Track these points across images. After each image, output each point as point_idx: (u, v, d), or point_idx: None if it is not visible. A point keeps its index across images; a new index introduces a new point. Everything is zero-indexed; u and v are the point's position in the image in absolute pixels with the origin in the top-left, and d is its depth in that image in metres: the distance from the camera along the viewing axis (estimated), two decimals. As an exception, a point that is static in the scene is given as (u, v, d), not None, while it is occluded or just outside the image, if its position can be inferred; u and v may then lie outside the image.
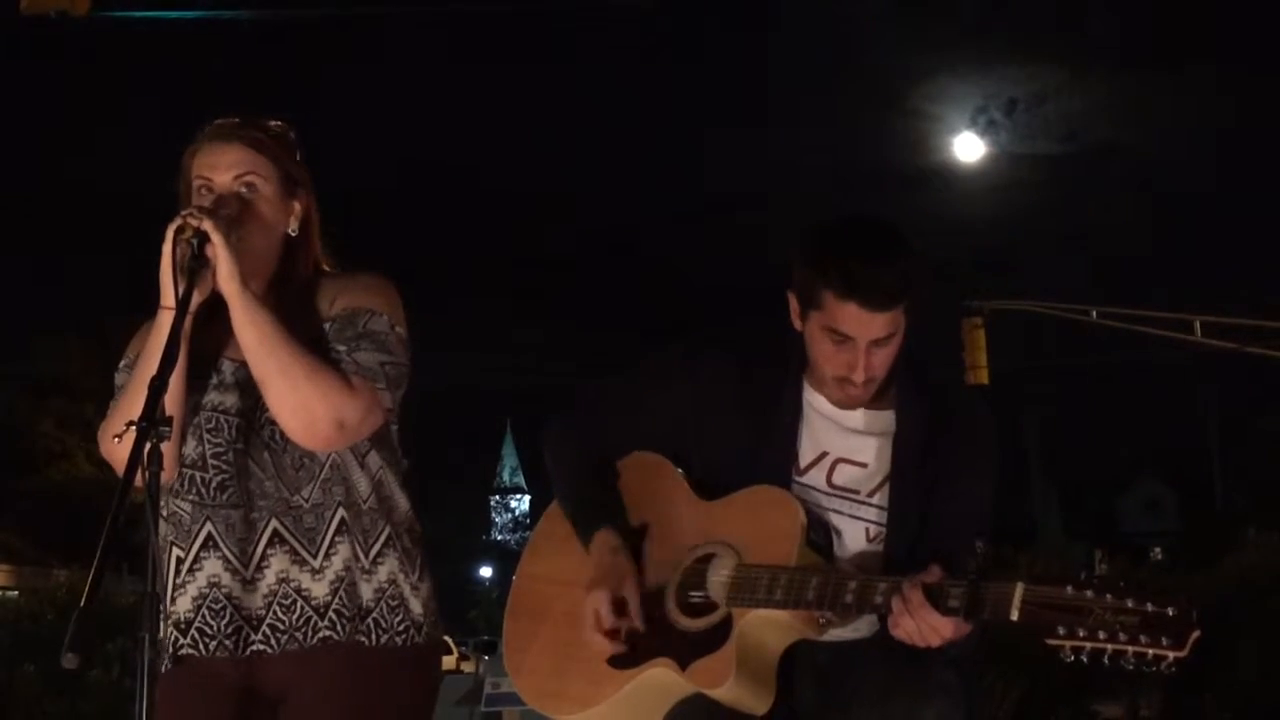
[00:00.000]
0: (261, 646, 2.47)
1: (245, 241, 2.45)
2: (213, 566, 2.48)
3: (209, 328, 2.45)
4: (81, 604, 1.96)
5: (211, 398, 2.52)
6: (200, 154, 2.55)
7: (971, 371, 17.47)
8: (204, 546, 2.49)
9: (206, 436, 2.50)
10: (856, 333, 2.57)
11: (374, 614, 2.51)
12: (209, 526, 2.49)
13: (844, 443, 2.72)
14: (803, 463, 2.71)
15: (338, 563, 2.50)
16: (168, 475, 2.36)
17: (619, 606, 2.65)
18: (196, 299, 2.37)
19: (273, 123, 2.63)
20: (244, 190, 2.53)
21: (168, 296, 2.38)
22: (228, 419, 2.51)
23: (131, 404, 2.28)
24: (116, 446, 2.27)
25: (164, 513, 2.49)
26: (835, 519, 2.68)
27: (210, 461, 2.50)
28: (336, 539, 2.50)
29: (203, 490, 2.50)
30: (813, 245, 2.65)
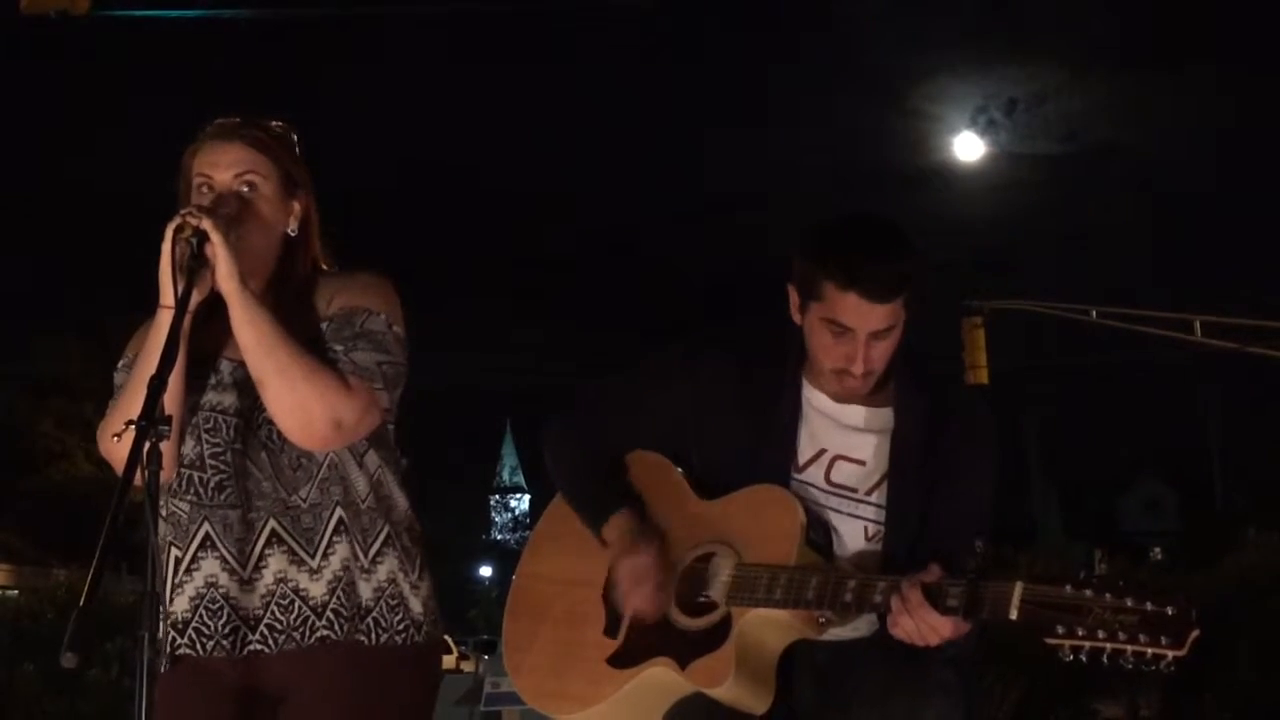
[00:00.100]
0: (259, 646, 2.46)
1: (244, 240, 2.45)
2: (210, 566, 2.48)
3: (208, 327, 2.45)
4: (81, 603, 1.96)
5: (210, 397, 2.52)
6: (201, 152, 2.55)
7: (971, 371, 17.46)
8: (202, 546, 2.49)
9: (205, 436, 2.50)
10: (856, 324, 2.58)
11: (373, 613, 2.50)
12: (207, 526, 2.49)
13: (842, 440, 2.72)
14: (801, 460, 2.71)
15: (335, 562, 2.49)
16: (166, 475, 2.36)
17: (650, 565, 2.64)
18: (196, 298, 2.37)
19: (274, 123, 2.63)
20: (244, 189, 2.53)
21: (167, 295, 2.38)
22: (226, 419, 2.51)
23: (130, 403, 2.28)
24: (116, 445, 2.26)
25: (162, 512, 2.49)
26: (834, 517, 2.68)
27: (208, 461, 2.50)
28: (334, 539, 2.50)
29: (201, 490, 2.50)
30: (815, 239, 2.66)
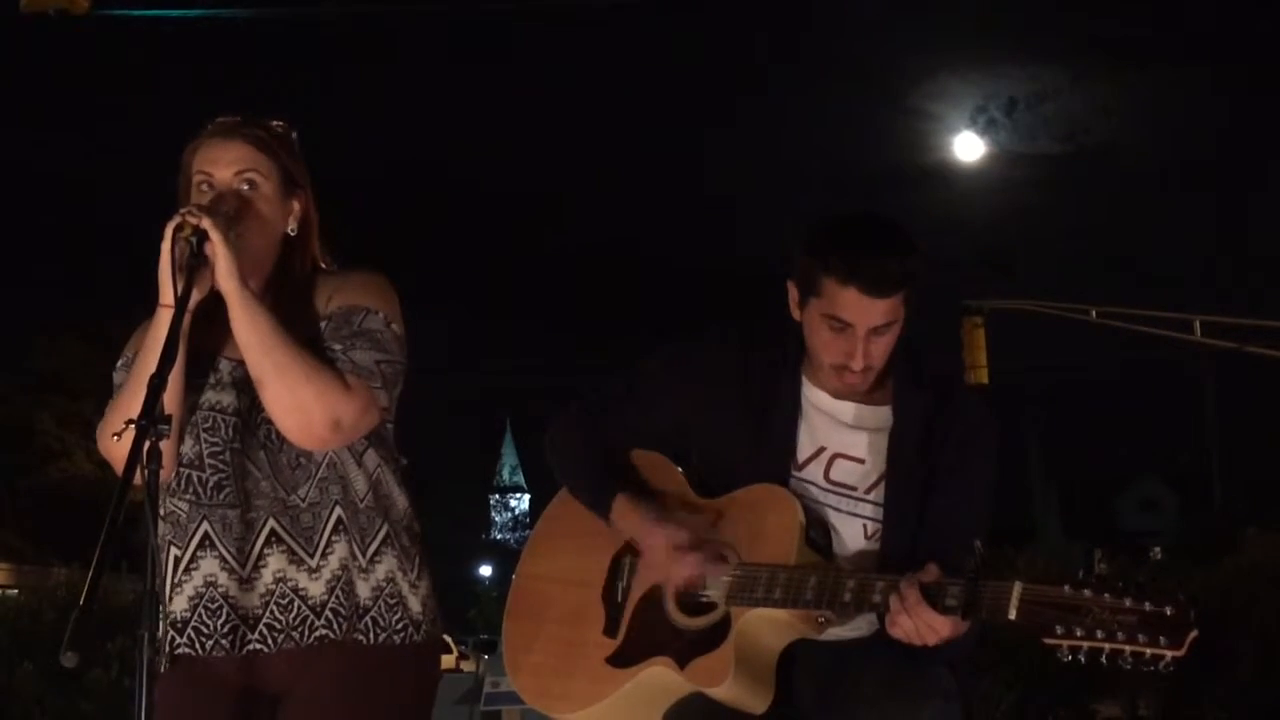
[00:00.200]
0: (258, 646, 2.46)
1: (244, 239, 2.44)
2: (209, 566, 2.48)
3: (207, 326, 2.45)
4: (81, 603, 1.96)
5: (209, 396, 2.52)
6: (201, 150, 2.55)
7: (971, 371, 17.45)
8: (200, 546, 2.49)
9: (204, 435, 2.50)
10: (855, 319, 2.58)
11: (372, 612, 2.50)
12: (206, 526, 2.49)
13: (841, 438, 2.72)
14: (801, 458, 2.71)
15: (334, 561, 2.49)
16: (166, 474, 2.35)
17: (682, 534, 2.64)
18: (195, 297, 2.37)
19: (274, 122, 2.63)
20: (244, 188, 2.53)
21: (166, 294, 2.37)
22: (225, 418, 2.51)
23: (130, 402, 2.28)
24: (115, 444, 2.26)
25: (162, 512, 2.48)
26: (833, 515, 2.69)
27: (207, 461, 2.50)
28: (333, 538, 2.50)
29: (200, 490, 2.50)
30: (815, 235, 2.66)
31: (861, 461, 2.70)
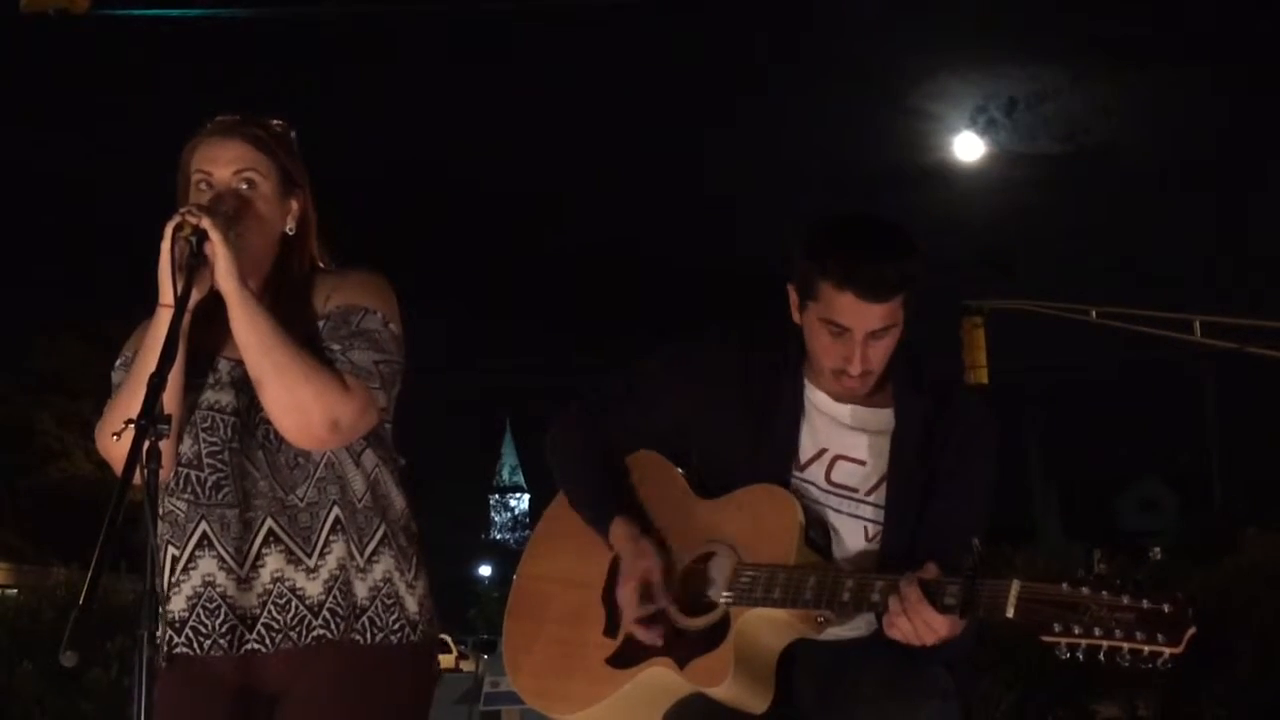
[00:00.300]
0: (256, 645, 2.47)
1: (243, 239, 2.44)
2: (207, 565, 2.48)
3: (206, 326, 2.45)
4: (80, 602, 1.96)
5: (208, 396, 2.52)
6: (200, 149, 2.55)
7: (971, 371, 17.45)
8: (199, 545, 2.49)
9: (202, 435, 2.50)
10: (853, 324, 2.58)
11: (369, 612, 2.51)
12: (204, 525, 2.49)
13: (843, 440, 2.72)
14: (803, 459, 2.71)
15: (332, 561, 2.50)
16: (165, 473, 2.36)
17: (646, 593, 2.63)
18: (195, 297, 2.37)
19: (273, 121, 2.63)
20: (243, 187, 2.53)
21: (166, 294, 2.37)
22: (223, 417, 2.51)
23: (129, 402, 2.28)
24: (114, 444, 2.26)
25: (160, 511, 2.48)
26: (833, 517, 2.69)
27: (206, 460, 2.50)
28: (331, 537, 2.50)
29: (198, 489, 2.50)
30: (814, 238, 2.65)
31: (863, 463, 2.70)
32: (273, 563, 2.48)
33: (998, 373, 18.42)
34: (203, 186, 2.53)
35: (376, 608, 2.51)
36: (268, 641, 2.47)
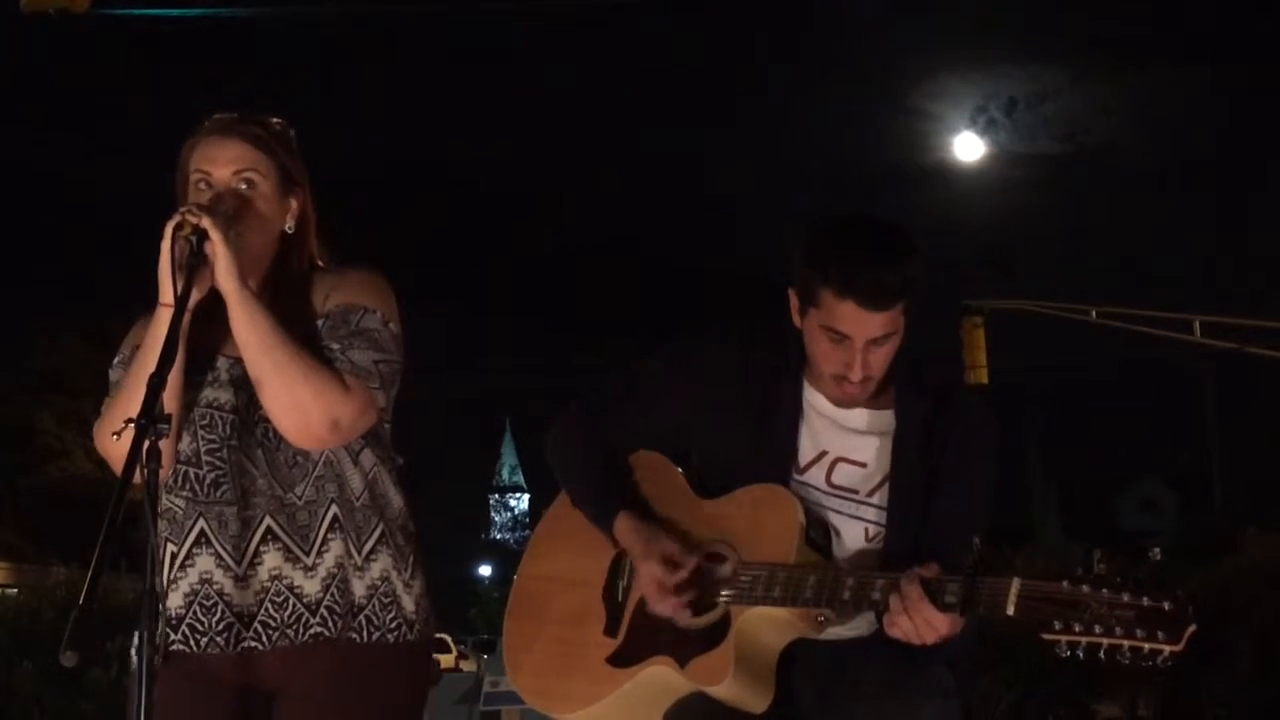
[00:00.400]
0: (253, 643, 2.47)
1: (243, 238, 2.44)
2: (205, 563, 2.48)
3: (206, 324, 2.45)
4: (80, 602, 1.96)
5: (207, 394, 2.52)
6: (199, 148, 2.55)
7: (971, 371, 17.44)
8: (197, 543, 2.49)
9: (201, 433, 2.51)
10: (854, 332, 2.57)
11: (366, 611, 2.51)
12: (202, 523, 2.49)
13: (843, 442, 2.72)
14: (802, 461, 2.71)
15: (330, 560, 2.50)
16: (164, 472, 2.36)
17: (669, 562, 2.63)
18: (195, 296, 2.36)
19: (272, 119, 2.63)
20: (242, 186, 2.53)
21: (166, 293, 2.38)
22: (222, 415, 2.51)
23: (129, 401, 2.28)
24: (113, 443, 2.26)
25: (158, 509, 2.48)
26: (834, 518, 2.69)
27: (204, 458, 2.50)
28: (329, 536, 2.50)
29: (197, 487, 2.50)
30: (814, 243, 2.64)
31: (863, 465, 2.70)
32: (270, 561, 2.48)
33: (998, 373, 18.42)
34: (202, 186, 2.53)
35: (374, 606, 2.52)
36: (265, 639, 2.47)
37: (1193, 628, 2.18)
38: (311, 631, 2.47)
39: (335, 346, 2.50)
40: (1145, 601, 2.21)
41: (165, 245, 2.36)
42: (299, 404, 2.41)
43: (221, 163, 2.53)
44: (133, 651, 2.43)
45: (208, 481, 2.49)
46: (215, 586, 2.47)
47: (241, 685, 2.49)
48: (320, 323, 2.54)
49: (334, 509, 2.51)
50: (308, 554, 2.49)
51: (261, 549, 2.48)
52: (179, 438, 2.48)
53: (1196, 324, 17.32)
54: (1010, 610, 2.29)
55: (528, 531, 3.21)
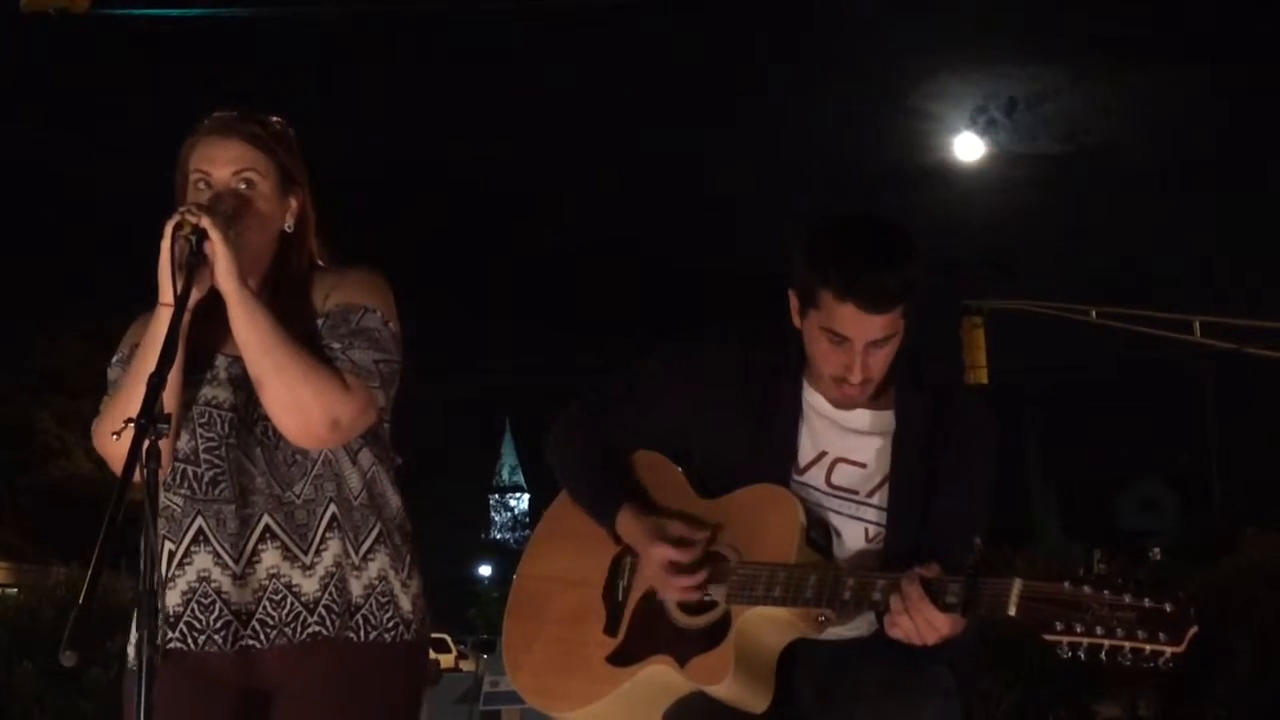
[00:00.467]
0: (251, 641, 2.47)
1: (242, 238, 2.45)
2: (203, 561, 2.48)
3: (205, 323, 2.45)
4: (80, 601, 1.96)
5: (205, 392, 2.52)
6: (199, 147, 2.55)
7: (971, 371, 17.45)
8: (194, 541, 2.49)
9: (199, 431, 2.51)
10: (854, 334, 2.57)
11: (363, 610, 2.51)
12: (200, 521, 2.49)
13: (843, 442, 2.72)
14: (802, 462, 2.71)
15: (328, 559, 2.50)
16: (163, 471, 2.36)
17: (681, 541, 2.63)
18: (195, 296, 2.37)
19: (271, 118, 2.63)
20: (242, 186, 2.53)
21: (166, 293, 2.38)
22: (221, 414, 2.51)
23: (128, 400, 2.28)
24: (111, 442, 2.26)
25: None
26: (834, 519, 2.68)
27: (203, 456, 2.50)
28: (327, 535, 2.50)
29: (195, 485, 2.50)
30: (814, 245, 2.64)
31: (863, 466, 2.70)
32: (269, 559, 2.48)
33: (998, 373, 18.44)
34: (201, 186, 2.53)
35: (371, 606, 2.52)
36: (263, 637, 2.47)
37: (1194, 629, 2.18)
38: (309, 630, 2.47)
39: (336, 345, 2.50)
40: (1147, 603, 2.21)
41: (165, 245, 2.37)
42: (299, 403, 2.41)
43: (221, 162, 2.52)
44: (129, 649, 2.44)
45: (206, 479, 2.49)
46: (213, 585, 2.47)
47: (240, 684, 2.49)
48: (320, 322, 2.54)
49: (332, 508, 2.51)
50: (306, 553, 2.49)
51: (260, 547, 2.48)
52: (177, 436, 2.48)
53: (1196, 324, 17.34)
54: (1012, 611, 2.29)
55: (528, 531, 3.22)
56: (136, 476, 2.13)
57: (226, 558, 2.48)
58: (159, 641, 2.42)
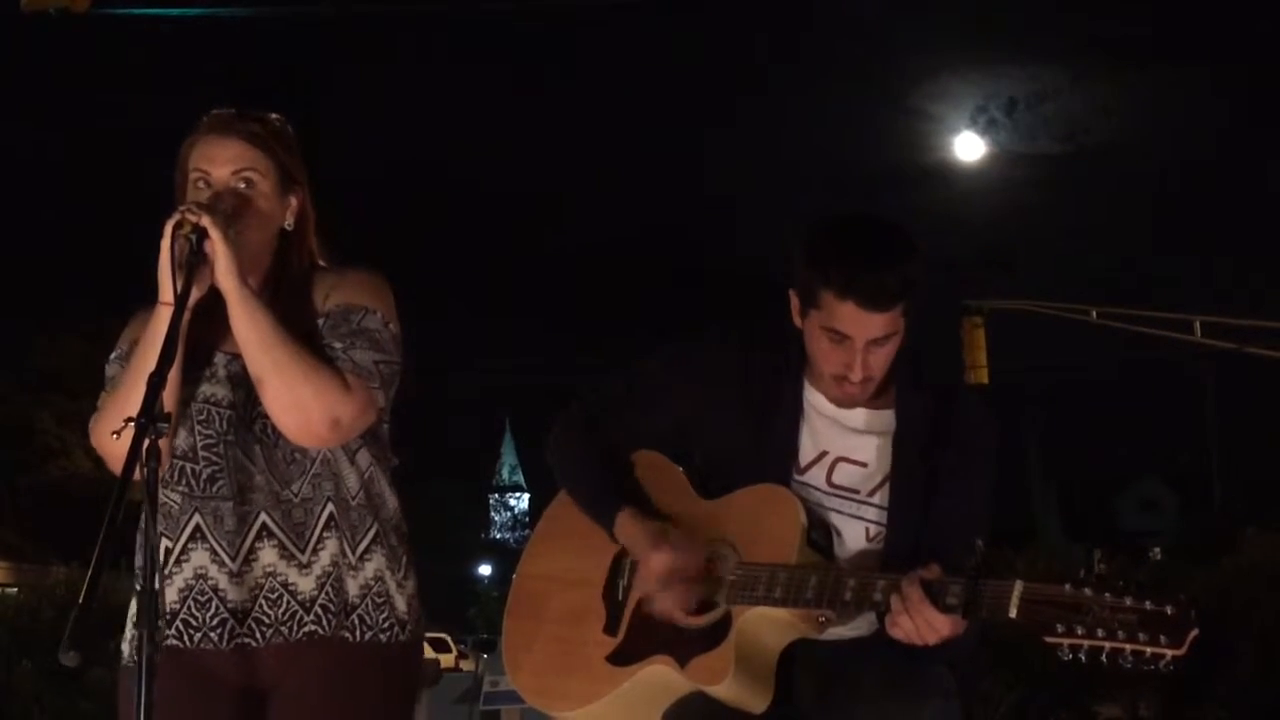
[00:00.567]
0: (247, 640, 2.47)
1: (242, 236, 2.45)
2: (200, 558, 2.48)
3: (205, 321, 2.45)
4: (80, 601, 1.96)
5: (204, 390, 2.52)
6: (198, 146, 2.55)
7: (971, 371, 17.46)
8: (192, 538, 2.49)
9: (198, 428, 2.51)
10: (854, 332, 2.57)
11: (359, 610, 2.51)
12: (197, 518, 2.49)
13: (844, 442, 2.72)
14: (803, 462, 2.71)
15: (325, 558, 2.50)
16: (162, 469, 2.36)
17: (680, 550, 2.61)
18: (195, 294, 2.37)
19: (271, 116, 2.63)
20: (242, 185, 2.53)
21: (166, 292, 2.38)
22: (219, 411, 2.51)
23: (127, 399, 2.28)
24: (110, 439, 2.26)
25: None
26: (835, 518, 2.68)
27: (201, 453, 2.50)
28: (325, 534, 2.50)
29: (193, 482, 2.50)
30: (814, 244, 2.64)
31: (864, 465, 2.70)
32: (266, 557, 2.48)
33: (998, 373, 18.44)
34: (201, 185, 2.53)
35: (367, 605, 2.52)
36: (259, 636, 2.47)
37: (1195, 632, 2.18)
38: (305, 629, 2.47)
39: (338, 345, 2.50)
40: (1148, 605, 2.21)
41: (165, 244, 2.37)
42: (299, 402, 2.41)
43: (220, 161, 2.52)
44: (124, 646, 2.44)
45: (204, 477, 2.49)
46: (210, 582, 2.47)
47: (236, 682, 2.49)
48: (320, 322, 2.54)
49: (330, 507, 2.51)
50: (303, 551, 2.49)
51: (257, 545, 2.48)
52: (175, 433, 2.48)
53: (1196, 324, 17.34)
54: (1013, 613, 2.29)
55: (528, 531, 3.22)
56: (136, 476, 2.13)
57: (224, 555, 2.48)
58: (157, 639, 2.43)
